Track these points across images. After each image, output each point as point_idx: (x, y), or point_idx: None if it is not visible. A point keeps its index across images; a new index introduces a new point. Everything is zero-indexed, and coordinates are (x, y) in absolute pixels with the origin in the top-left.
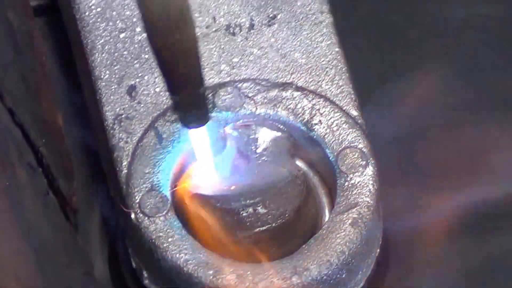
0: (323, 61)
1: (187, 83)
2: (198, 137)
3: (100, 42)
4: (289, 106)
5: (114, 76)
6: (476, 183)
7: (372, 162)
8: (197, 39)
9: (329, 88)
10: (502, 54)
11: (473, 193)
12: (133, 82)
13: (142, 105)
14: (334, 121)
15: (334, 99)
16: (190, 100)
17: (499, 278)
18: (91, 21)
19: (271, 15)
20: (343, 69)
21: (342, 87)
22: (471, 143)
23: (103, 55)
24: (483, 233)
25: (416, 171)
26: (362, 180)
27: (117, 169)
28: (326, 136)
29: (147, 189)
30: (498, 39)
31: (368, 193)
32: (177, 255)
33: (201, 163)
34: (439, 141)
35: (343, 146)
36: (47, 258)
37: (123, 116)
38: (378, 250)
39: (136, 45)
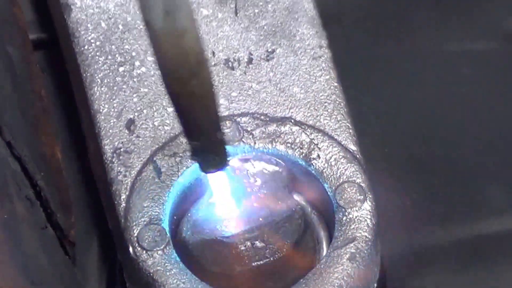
0: (321, 95)
1: (206, 129)
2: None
3: (99, 75)
4: (287, 141)
5: (113, 109)
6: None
7: (370, 196)
8: (214, 84)
9: (328, 122)
10: (497, 86)
11: (470, 225)
12: (131, 116)
13: (140, 139)
14: (332, 155)
15: (333, 134)
16: (209, 145)
17: None
18: (90, 55)
19: (269, 50)
20: (342, 103)
21: (340, 122)
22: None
23: (102, 88)
24: (482, 266)
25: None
26: (360, 215)
27: (116, 202)
28: (324, 170)
29: (145, 223)
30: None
31: (366, 227)
32: None
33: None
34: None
35: (341, 180)
36: None
37: (121, 149)
38: (376, 285)
39: (135, 79)
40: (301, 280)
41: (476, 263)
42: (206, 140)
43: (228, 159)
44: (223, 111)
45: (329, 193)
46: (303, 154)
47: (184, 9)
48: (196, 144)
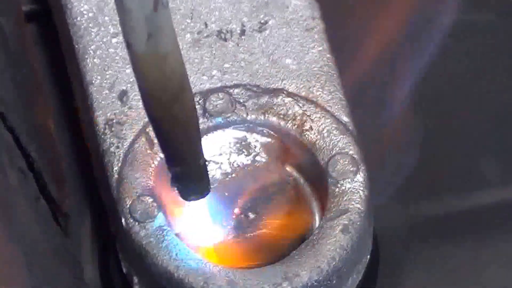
0: (314, 67)
1: (187, 155)
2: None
3: (92, 47)
4: (280, 112)
5: (105, 81)
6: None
7: (363, 168)
8: (196, 110)
9: (320, 94)
10: (492, 59)
11: (462, 198)
12: (124, 87)
13: (133, 110)
14: (325, 127)
15: (325, 105)
16: (190, 172)
17: (488, 279)
18: (83, 26)
19: (262, 21)
20: (334, 75)
21: (333, 93)
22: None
23: (95, 60)
24: (473, 236)
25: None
26: (353, 187)
27: (108, 174)
28: (317, 142)
29: (137, 194)
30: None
31: (358, 199)
32: (168, 261)
33: None
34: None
35: (334, 152)
36: (37, 262)
37: (114, 121)
38: (369, 256)
39: None
40: (294, 251)
41: (470, 235)
42: (187, 166)
43: (209, 186)
44: (215, 83)
45: (321, 165)
46: (296, 126)
47: (166, 32)
48: (177, 170)
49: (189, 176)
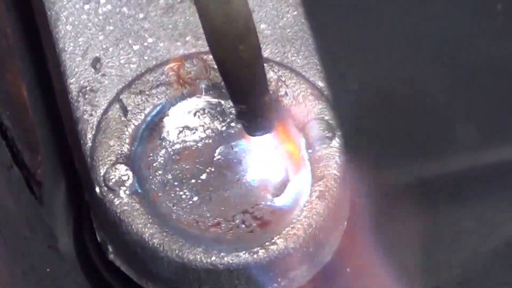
0: (289, 32)
1: (252, 93)
2: None
3: (64, 14)
4: None
5: (78, 48)
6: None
7: (339, 134)
8: (260, 48)
9: (295, 59)
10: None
11: (440, 162)
12: (97, 54)
13: (106, 78)
14: (300, 92)
15: (300, 71)
16: (256, 109)
17: (468, 245)
18: None
19: None
20: (309, 40)
21: (308, 58)
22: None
23: (67, 27)
24: (451, 201)
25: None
26: (329, 152)
27: (82, 142)
28: (292, 107)
29: (111, 162)
30: None
31: (335, 165)
32: (142, 229)
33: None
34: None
35: (309, 118)
36: (11, 231)
37: (87, 88)
38: (346, 223)
39: (100, 17)
40: (270, 218)
41: (448, 200)
42: (253, 103)
43: (274, 122)
44: (189, 49)
45: (297, 130)
46: (271, 91)
47: None
48: (242, 107)
49: (254, 113)
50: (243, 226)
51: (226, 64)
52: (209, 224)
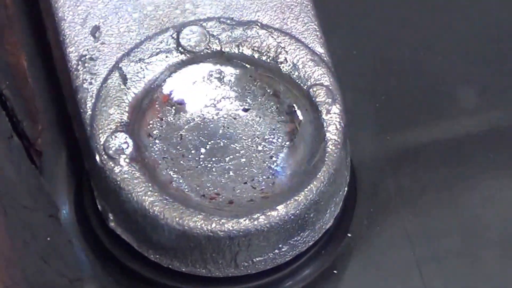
0: None
1: None
2: None
3: None
4: (254, 44)
5: (77, 16)
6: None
7: (339, 99)
8: None
9: (294, 25)
10: None
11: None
12: (97, 23)
13: (106, 46)
14: (299, 58)
15: (300, 37)
16: None
17: (467, 212)
18: None
19: None
20: (309, 6)
21: (307, 24)
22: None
23: None
24: (449, 164)
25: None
26: (329, 118)
27: (81, 110)
28: (292, 73)
29: (111, 130)
30: None
31: (335, 130)
32: (142, 197)
33: None
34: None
35: (309, 83)
36: (11, 201)
37: (87, 57)
38: (346, 189)
39: None
40: (270, 184)
41: (447, 164)
42: None
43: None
44: (188, 17)
45: (297, 96)
46: (270, 58)
47: None
48: None
49: None
50: (244, 196)
51: None
52: (209, 193)
